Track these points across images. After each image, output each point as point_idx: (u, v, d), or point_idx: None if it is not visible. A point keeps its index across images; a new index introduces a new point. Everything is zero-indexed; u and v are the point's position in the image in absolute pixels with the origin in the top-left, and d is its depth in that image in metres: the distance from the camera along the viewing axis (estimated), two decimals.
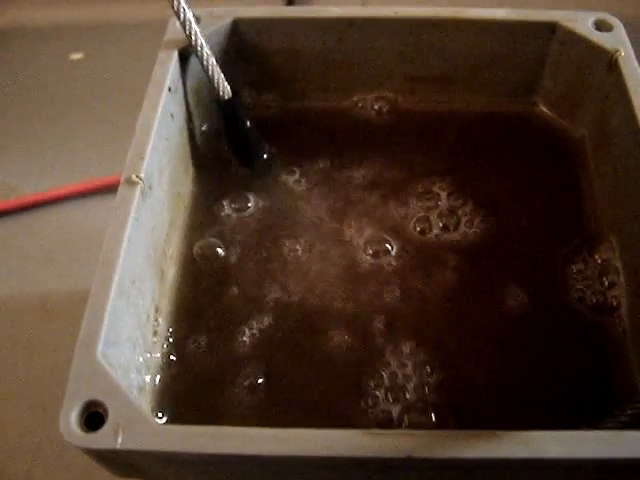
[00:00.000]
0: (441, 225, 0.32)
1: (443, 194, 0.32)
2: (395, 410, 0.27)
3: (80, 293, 0.43)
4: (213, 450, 0.22)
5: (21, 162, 0.49)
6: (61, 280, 0.44)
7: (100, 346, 0.24)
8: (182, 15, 0.31)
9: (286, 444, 0.22)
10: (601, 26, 0.33)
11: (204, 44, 0.31)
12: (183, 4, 0.31)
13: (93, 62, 0.55)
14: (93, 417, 0.23)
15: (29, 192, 0.47)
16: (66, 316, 0.43)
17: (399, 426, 0.26)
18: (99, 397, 0.23)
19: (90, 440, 0.22)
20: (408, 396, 0.27)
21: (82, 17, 0.57)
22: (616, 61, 0.31)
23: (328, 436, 0.22)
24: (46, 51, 0.55)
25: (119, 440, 0.22)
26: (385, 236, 0.31)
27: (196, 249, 0.31)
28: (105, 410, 0.23)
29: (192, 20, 0.31)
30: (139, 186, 0.27)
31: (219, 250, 0.32)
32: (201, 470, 0.24)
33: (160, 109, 0.29)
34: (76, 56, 0.55)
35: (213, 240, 0.32)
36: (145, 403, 0.26)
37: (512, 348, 0.29)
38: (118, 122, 0.51)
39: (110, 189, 0.47)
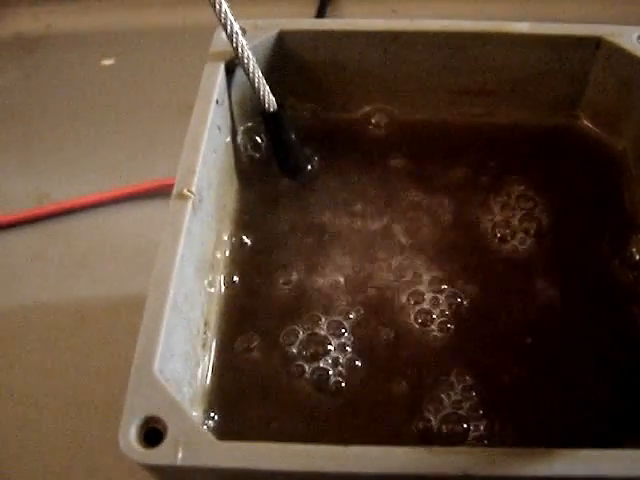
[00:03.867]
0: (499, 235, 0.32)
1: (496, 207, 0.33)
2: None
3: (114, 299, 0.44)
4: (273, 466, 0.22)
5: (54, 169, 0.49)
6: (95, 286, 0.44)
7: (157, 362, 0.24)
8: (229, 27, 0.31)
9: (346, 461, 0.22)
10: None
11: (250, 56, 0.31)
12: (230, 16, 0.31)
13: (124, 68, 0.55)
14: (152, 433, 0.23)
15: (62, 199, 0.47)
16: (100, 322, 0.43)
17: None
18: (158, 413, 0.23)
19: (150, 456, 0.22)
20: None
21: (114, 23, 0.57)
22: None
23: (386, 453, 0.22)
24: (78, 57, 0.56)
25: (179, 456, 0.22)
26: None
27: (240, 259, 0.32)
28: (164, 426, 0.23)
29: (239, 32, 0.31)
30: (191, 200, 0.27)
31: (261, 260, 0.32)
32: None
33: (209, 122, 0.30)
34: (107, 62, 0.55)
35: (257, 251, 0.32)
36: (197, 415, 0.26)
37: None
38: (150, 129, 0.51)
39: (142, 196, 0.47)
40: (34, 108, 0.53)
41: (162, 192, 0.47)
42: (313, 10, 0.56)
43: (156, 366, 0.24)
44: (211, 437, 0.23)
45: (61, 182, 0.48)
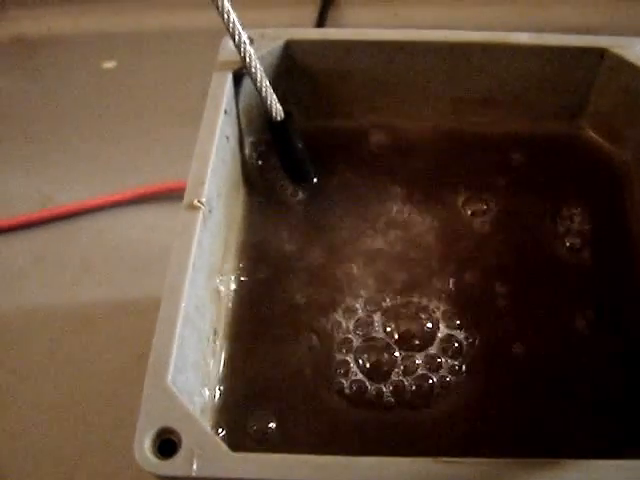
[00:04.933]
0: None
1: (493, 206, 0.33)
2: None
3: (118, 303, 0.44)
4: (287, 477, 0.22)
5: (57, 172, 0.50)
6: (98, 290, 0.45)
7: (170, 373, 0.24)
8: (237, 37, 0.31)
9: (357, 472, 0.22)
10: None
11: (258, 66, 0.31)
12: (238, 26, 0.31)
13: (126, 71, 0.55)
14: (166, 444, 0.23)
15: (65, 202, 0.47)
16: (103, 325, 0.44)
17: None
18: (172, 424, 0.23)
19: (165, 467, 0.23)
20: None
21: (115, 25, 0.57)
22: None
23: (397, 464, 0.23)
24: (79, 59, 0.56)
25: (194, 467, 0.22)
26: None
27: (248, 269, 0.32)
28: (178, 437, 0.23)
29: (247, 42, 0.31)
30: (201, 211, 0.28)
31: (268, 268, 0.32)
32: None
33: (217, 132, 0.30)
34: (109, 65, 0.55)
35: (263, 261, 0.32)
36: (208, 425, 0.27)
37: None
38: (151, 132, 0.51)
39: (146, 199, 0.48)
40: (36, 111, 0.53)
41: (165, 195, 0.47)
42: (314, 14, 0.56)
43: (169, 377, 0.24)
44: (225, 448, 0.23)
45: (64, 185, 0.49)
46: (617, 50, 0.33)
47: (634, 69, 0.33)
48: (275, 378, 0.29)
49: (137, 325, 0.36)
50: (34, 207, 0.47)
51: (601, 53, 0.33)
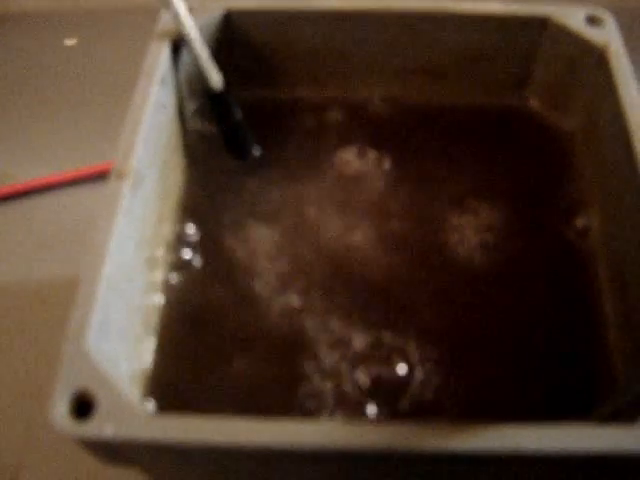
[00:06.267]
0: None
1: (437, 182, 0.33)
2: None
3: (72, 280, 0.44)
4: (199, 439, 0.22)
5: (14, 149, 0.49)
6: (53, 267, 0.44)
7: (90, 337, 0.24)
8: (175, 6, 0.31)
9: (271, 435, 0.22)
10: (593, 20, 0.33)
11: (197, 36, 0.31)
12: None
13: (87, 48, 0.55)
14: (83, 406, 0.23)
15: (23, 179, 0.47)
16: (58, 303, 0.43)
17: None
18: (89, 387, 0.23)
19: (80, 429, 0.22)
20: None
21: (76, 3, 0.57)
22: (606, 56, 0.32)
23: (313, 427, 0.22)
24: (40, 37, 0.55)
25: (109, 429, 0.22)
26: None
27: (186, 240, 0.32)
28: (95, 400, 0.23)
29: (185, 11, 0.31)
30: (130, 179, 0.27)
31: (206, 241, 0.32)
32: (188, 460, 0.25)
33: (151, 101, 0.30)
34: (70, 42, 0.55)
35: (202, 230, 0.32)
36: (135, 392, 0.27)
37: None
38: (111, 109, 0.50)
39: (102, 176, 0.47)
40: None
41: None
42: None
43: (89, 340, 0.24)
44: (143, 410, 0.23)
45: (23, 163, 0.48)
46: (560, 19, 0.33)
47: (577, 38, 0.32)
48: (210, 350, 0.29)
49: None
50: None
51: (544, 22, 0.33)
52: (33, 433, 0.38)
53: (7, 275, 0.44)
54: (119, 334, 0.26)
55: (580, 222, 0.32)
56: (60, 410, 0.23)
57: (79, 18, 0.56)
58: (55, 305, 0.43)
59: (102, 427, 0.22)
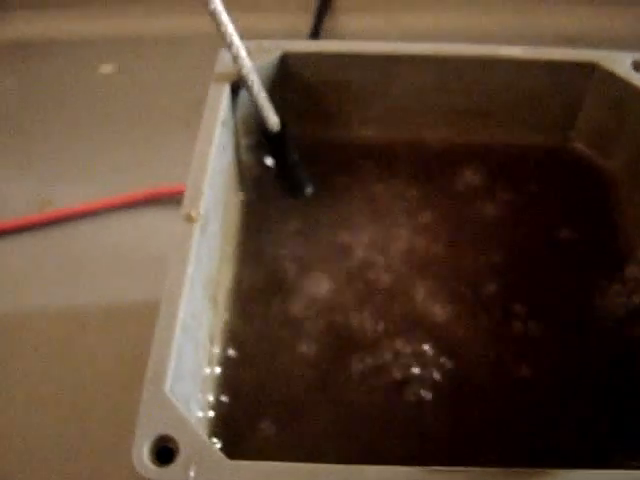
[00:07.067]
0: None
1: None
2: None
3: (114, 307, 0.45)
4: None
5: (54, 175, 0.50)
6: (94, 294, 0.45)
7: (168, 382, 0.25)
8: (234, 49, 0.32)
9: None
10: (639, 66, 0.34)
11: (255, 78, 0.32)
12: (236, 38, 0.31)
13: (123, 76, 0.55)
14: (164, 451, 0.24)
15: (62, 205, 0.48)
16: (100, 330, 0.44)
17: None
18: (169, 432, 0.24)
19: (163, 475, 0.23)
20: None
21: (112, 30, 0.58)
22: None
23: (386, 472, 0.23)
24: (75, 64, 0.56)
25: (191, 474, 0.23)
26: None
27: (244, 276, 0.32)
28: (176, 444, 0.23)
29: (244, 54, 0.32)
30: (198, 222, 0.28)
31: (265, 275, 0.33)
32: None
33: (215, 143, 0.30)
34: (106, 69, 0.56)
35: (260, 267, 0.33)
36: (204, 432, 0.27)
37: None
38: (148, 136, 0.52)
39: (142, 203, 0.48)
40: (33, 114, 0.53)
41: (162, 200, 0.48)
42: (310, 21, 0.57)
43: (167, 386, 0.24)
44: (222, 455, 0.24)
45: (62, 189, 0.49)
46: (607, 64, 0.34)
47: (623, 83, 0.33)
48: (272, 386, 0.30)
49: (133, 329, 0.37)
50: (32, 210, 0.48)
51: (592, 67, 0.34)
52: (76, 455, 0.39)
53: (46, 301, 0.45)
54: (190, 376, 0.27)
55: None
56: (143, 456, 0.23)
57: (115, 45, 0.57)
58: (94, 331, 0.44)
59: (184, 472, 0.23)
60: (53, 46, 0.57)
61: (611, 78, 0.34)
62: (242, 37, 0.32)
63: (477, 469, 0.24)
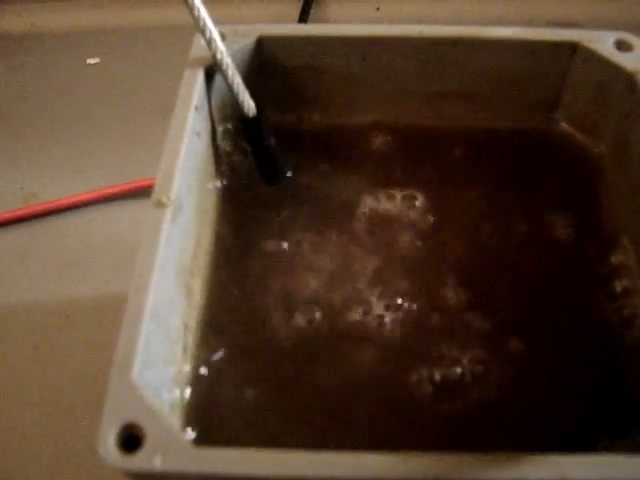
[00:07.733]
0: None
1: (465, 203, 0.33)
2: None
3: (99, 299, 0.45)
4: (250, 472, 0.22)
5: (39, 168, 0.50)
6: (80, 287, 0.45)
7: (135, 368, 0.24)
8: (208, 33, 0.31)
9: (316, 467, 0.22)
10: (622, 46, 0.33)
11: (230, 62, 0.32)
12: (209, 22, 0.31)
13: (109, 67, 0.55)
14: (131, 439, 0.23)
15: (48, 198, 0.47)
16: (86, 322, 0.44)
17: None
18: (136, 419, 0.23)
19: (129, 462, 0.23)
20: None
21: (99, 22, 0.57)
22: (636, 82, 0.32)
23: (358, 459, 0.23)
24: (63, 56, 0.56)
25: (158, 462, 0.23)
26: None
27: (221, 264, 0.32)
28: (143, 432, 0.23)
29: (218, 38, 0.31)
30: (170, 208, 0.28)
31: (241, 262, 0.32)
32: None
33: (188, 129, 0.30)
34: (93, 61, 0.55)
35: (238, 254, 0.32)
36: (176, 420, 0.27)
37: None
38: (135, 128, 0.51)
39: (128, 196, 0.48)
40: (19, 107, 0.53)
41: (148, 192, 0.47)
42: (297, 9, 0.56)
43: (135, 373, 0.24)
44: (189, 443, 0.23)
45: (47, 182, 0.49)
46: (589, 44, 0.33)
47: (606, 63, 0.33)
48: (248, 374, 0.29)
49: (118, 321, 0.37)
50: (17, 204, 0.47)
51: (573, 47, 0.33)
52: (64, 452, 0.38)
53: (33, 295, 0.45)
54: (161, 363, 0.26)
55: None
56: (108, 443, 0.23)
57: (102, 37, 0.57)
58: (81, 324, 0.43)
59: (150, 460, 0.23)
60: (39, 39, 0.57)
61: (593, 57, 0.33)
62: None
63: (454, 455, 0.23)
